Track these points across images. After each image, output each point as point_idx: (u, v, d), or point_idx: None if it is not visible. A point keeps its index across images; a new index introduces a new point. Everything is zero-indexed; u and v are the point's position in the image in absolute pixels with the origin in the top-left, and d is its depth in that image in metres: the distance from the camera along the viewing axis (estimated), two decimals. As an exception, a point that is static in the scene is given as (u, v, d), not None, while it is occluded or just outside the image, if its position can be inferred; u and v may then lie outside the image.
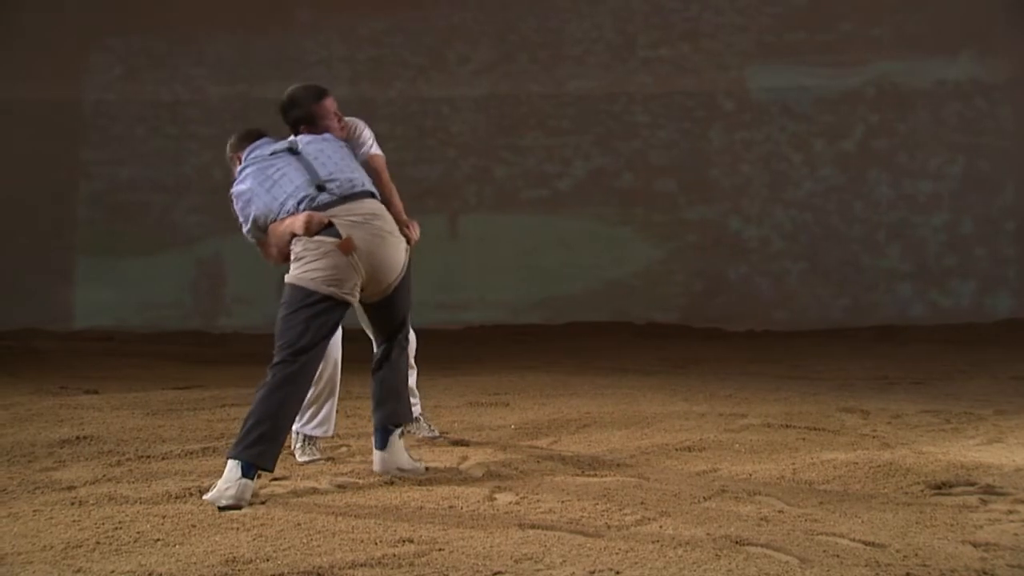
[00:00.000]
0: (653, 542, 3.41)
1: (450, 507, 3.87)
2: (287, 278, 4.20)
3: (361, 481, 4.28)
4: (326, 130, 4.49)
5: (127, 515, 3.73)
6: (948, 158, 11.08)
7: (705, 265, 11.15)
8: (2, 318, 10.68)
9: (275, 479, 4.30)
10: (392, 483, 4.25)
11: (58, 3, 11.28)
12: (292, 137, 4.44)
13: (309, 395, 4.56)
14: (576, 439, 5.18)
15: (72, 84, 11.36)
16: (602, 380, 7.29)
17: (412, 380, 5.01)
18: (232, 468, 3.89)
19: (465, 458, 4.73)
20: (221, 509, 3.79)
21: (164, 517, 3.71)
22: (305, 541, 3.44)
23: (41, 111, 11.26)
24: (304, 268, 4.14)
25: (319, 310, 4.12)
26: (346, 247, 4.09)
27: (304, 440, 4.71)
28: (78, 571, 3.16)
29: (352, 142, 4.56)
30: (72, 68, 11.35)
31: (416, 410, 5.06)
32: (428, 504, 3.90)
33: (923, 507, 3.86)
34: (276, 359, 4.11)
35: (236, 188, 4.40)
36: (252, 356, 8.97)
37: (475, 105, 11.28)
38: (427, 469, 4.43)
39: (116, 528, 3.58)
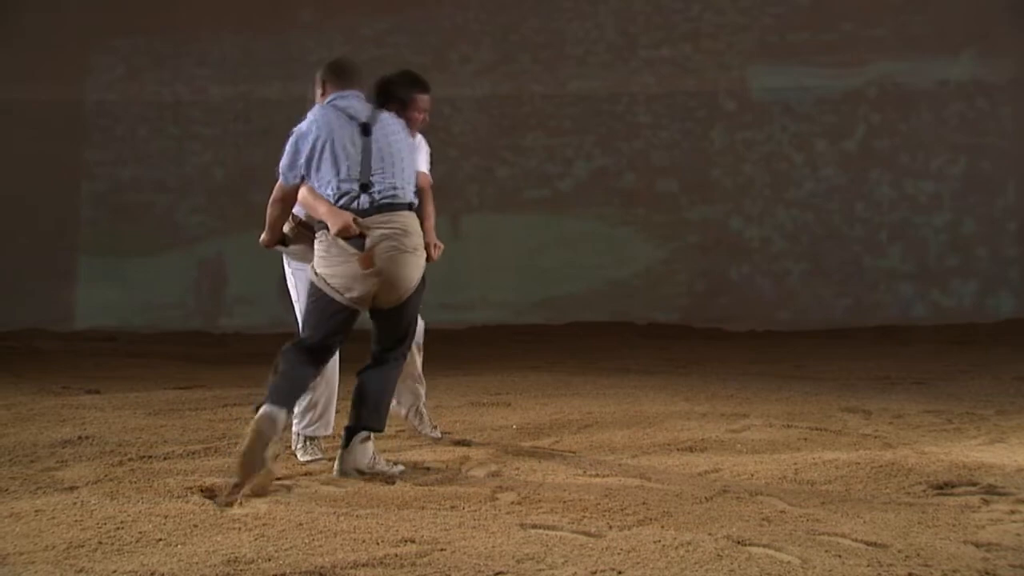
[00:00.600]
0: (655, 542, 3.41)
1: (452, 507, 3.87)
2: (310, 271, 4.36)
3: (363, 481, 4.28)
4: (407, 121, 4.56)
5: (129, 515, 3.74)
6: (950, 158, 11.07)
7: (707, 265, 11.15)
8: (4, 318, 10.68)
9: (277, 479, 4.29)
10: (394, 483, 4.25)
11: (60, 3, 11.29)
12: (376, 110, 4.43)
13: (308, 396, 4.57)
14: (578, 439, 5.18)
15: (74, 84, 11.36)
16: (604, 380, 7.29)
17: (417, 364, 5.02)
18: None
19: (467, 458, 4.73)
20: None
21: (166, 517, 3.71)
22: (307, 541, 3.44)
23: (43, 111, 11.26)
24: (325, 269, 4.26)
25: (333, 311, 4.28)
26: (365, 263, 4.18)
27: (305, 440, 4.71)
28: (80, 571, 3.16)
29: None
30: (74, 68, 11.35)
31: (421, 398, 5.11)
32: (430, 504, 3.90)
33: (925, 507, 3.85)
34: (294, 340, 4.39)
35: (301, 126, 4.43)
36: (254, 356, 8.96)
37: (477, 105, 11.28)
38: (402, 472, 4.40)
39: (118, 528, 3.58)
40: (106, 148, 11.37)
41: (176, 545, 3.42)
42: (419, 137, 4.85)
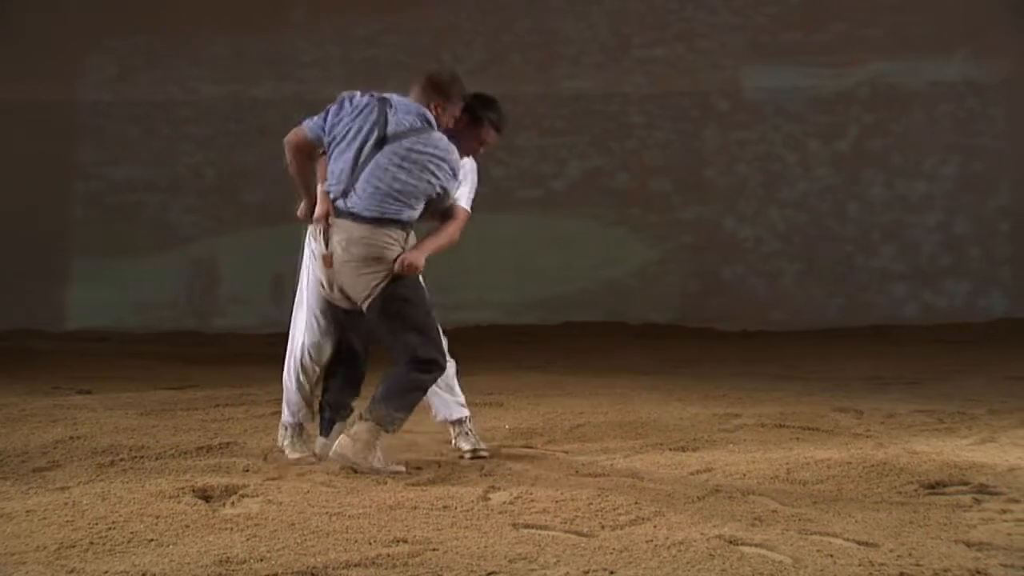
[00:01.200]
0: (647, 542, 3.41)
1: (444, 507, 3.87)
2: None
3: (355, 481, 4.28)
4: (462, 142, 4.53)
5: (121, 515, 3.73)
6: (942, 159, 11.10)
7: (700, 265, 11.15)
8: (-4, 318, 10.67)
9: (269, 479, 4.29)
10: (386, 483, 4.25)
11: (53, 4, 11.26)
12: (412, 120, 4.42)
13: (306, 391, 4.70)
14: (570, 439, 5.18)
15: (67, 84, 11.33)
16: (597, 380, 7.29)
17: (451, 371, 4.80)
18: None
19: (460, 458, 4.73)
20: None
21: (158, 517, 3.71)
22: (299, 541, 3.44)
23: (36, 111, 11.23)
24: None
25: (323, 304, 4.60)
26: (325, 262, 4.44)
27: (293, 432, 4.68)
28: (71, 571, 3.16)
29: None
30: (67, 68, 11.33)
31: (463, 411, 4.82)
32: (422, 504, 3.90)
33: (917, 507, 3.86)
34: None
35: (355, 100, 4.50)
36: (246, 356, 8.95)
37: (470, 105, 11.25)
38: (396, 471, 4.41)
39: (110, 528, 3.57)
40: (99, 148, 11.34)
41: (168, 545, 3.41)
42: (470, 165, 4.70)
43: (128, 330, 10.70)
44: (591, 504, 3.88)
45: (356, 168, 4.38)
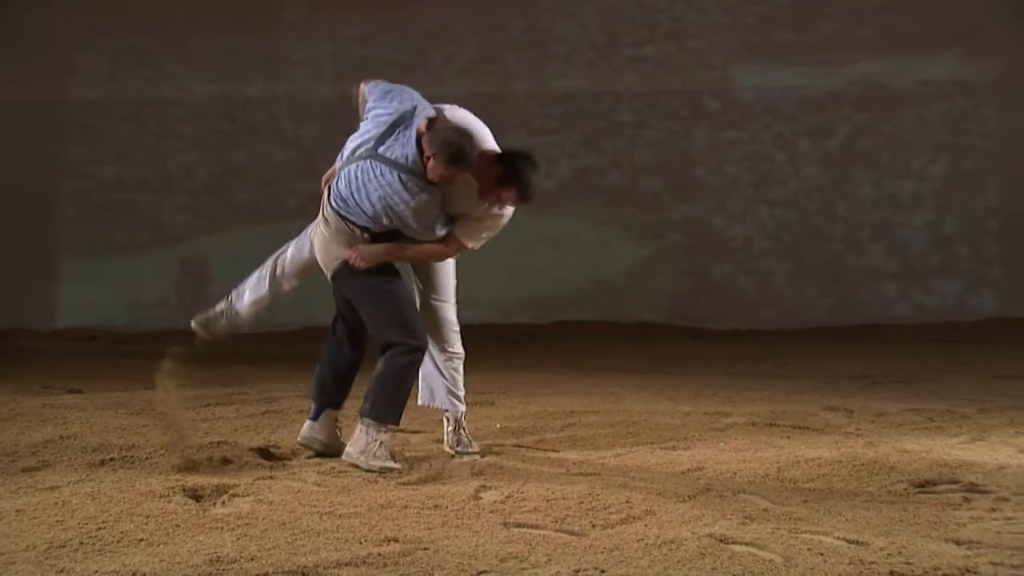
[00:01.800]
0: (638, 541, 3.42)
1: (435, 506, 3.87)
2: None
3: (346, 481, 4.28)
4: (482, 190, 4.46)
5: (111, 515, 3.72)
6: (932, 158, 11.11)
7: (691, 264, 11.16)
8: (-15, 317, 10.63)
9: (259, 478, 4.29)
10: (377, 482, 4.25)
11: (44, 3, 11.21)
12: (399, 154, 4.42)
13: None
14: (561, 438, 5.18)
15: (57, 83, 11.29)
16: (588, 379, 7.30)
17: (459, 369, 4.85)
18: None
19: (451, 457, 4.73)
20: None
21: (148, 517, 3.70)
22: (290, 540, 3.43)
23: (26, 110, 11.18)
24: None
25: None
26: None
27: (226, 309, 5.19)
28: (61, 571, 3.15)
29: (476, 212, 4.54)
30: (57, 67, 11.28)
31: (459, 407, 4.84)
32: (413, 503, 3.90)
33: (907, 505, 3.88)
34: None
35: (395, 105, 4.60)
36: (236, 355, 8.93)
37: (461, 104, 11.22)
38: (384, 469, 4.43)
39: (99, 528, 3.57)
40: (89, 147, 11.30)
41: (158, 545, 3.41)
42: (503, 215, 4.61)
43: (118, 329, 10.67)
44: (582, 503, 3.88)
45: (346, 160, 4.55)
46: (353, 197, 4.46)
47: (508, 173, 4.40)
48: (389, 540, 3.43)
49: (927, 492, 4.08)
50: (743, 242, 11.16)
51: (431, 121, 4.48)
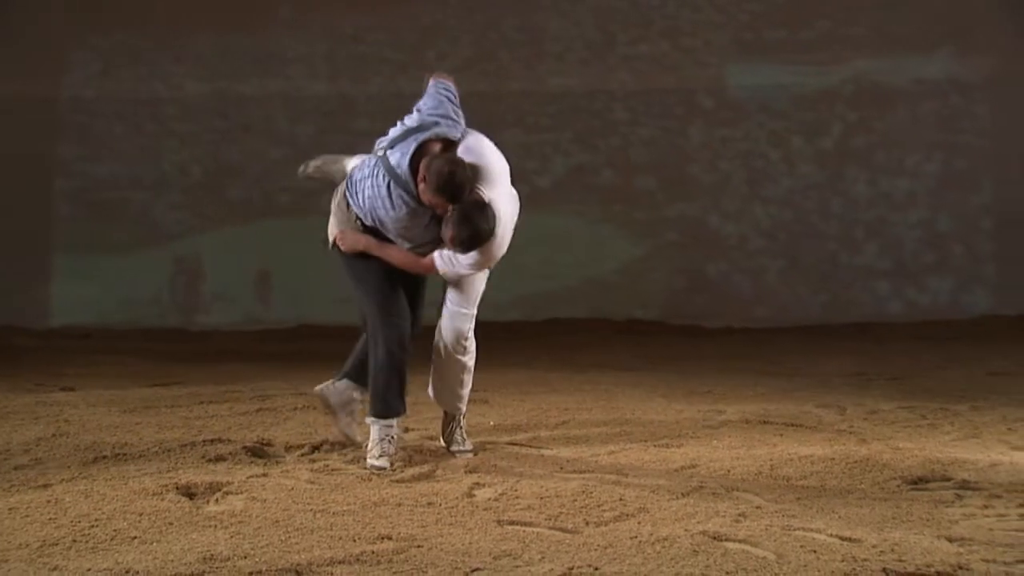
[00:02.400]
0: (631, 538, 3.42)
1: (429, 504, 3.87)
2: None
3: (340, 478, 4.28)
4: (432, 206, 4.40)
5: (103, 513, 3.72)
6: (925, 156, 11.13)
7: (684, 262, 11.17)
8: (-22, 315, 10.61)
9: (253, 476, 4.29)
10: (370, 479, 4.25)
11: (37, 1, 11.19)
12: (396, 161, 4.41)
13: None
14: (555, 436, 5.19)
15: (50, 81, 11.27)
16: (581, 377, 7.30)
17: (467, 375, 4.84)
18: None
19: (444, 455, 4.73)
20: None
21: (141, 514, 3.70)
22: (283, 538, 3.43)
23: (19, 108, 11.16)
24: None
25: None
26: None
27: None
28: (54, 569, 3.15)
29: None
30: (50, 65, 11.27)
31: (459, 407, 4.83)
32: (407, 501, 3.91)
33: (899, 502, 3.88)
34: None
35: (423, 117, 4.53)
36: (231, 353, 8.93)
37: (455, 102, 11.24)
38: (373, 466, 4.45)
39: (92, 526, 3.56)
40: (82, 145, 11.28)
41: (151, 543, 3.40)
42: (489, 253, 4.52)
43: (112, 327, 10.65)
44: (575, 500, 3.89)
45: (374, 150, 4.57)
46: (356, 186, 4.51)
47: (454, 216, 4.29)
48: (383, 538, 3.43)
49: (920, 489, 4.09)
50: (737, 240, 11.17)
51: (447, 145, 4.41)
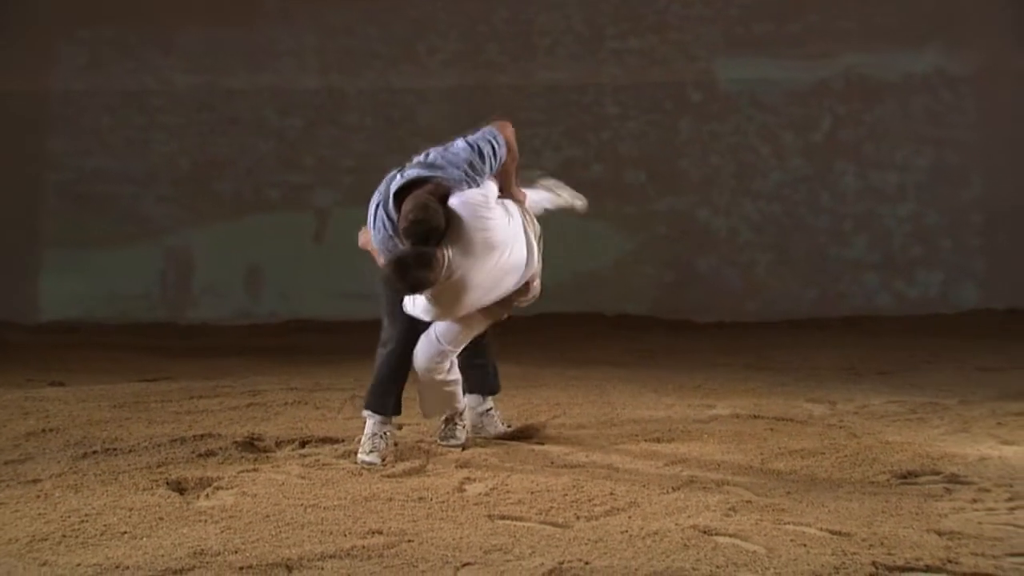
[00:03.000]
0: (622, 532, 3.42)
1: (420, 498, 3.87)
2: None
3: (330, 473, 4.28)
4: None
5: (93, 508, 3.71)
6: (915, 150, 11.15)
7: (674, 256, 11.18)
8: (-33, 310, 10.58)
9: (244, 471, 4.28)
10: (361, 474, 4.25)
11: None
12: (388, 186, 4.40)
13: None
14: (546, 430, 5.18)
15: (38, 74, 11.23)
16: (572, 371, 7.31)
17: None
18: None
19: (435, 450, 4.73)
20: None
21: (131, 510, 3.69)
22: (274, 533, 3.43)
23: (7, 101, 11.13)
24: None
25: None
26: None
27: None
28: (44, 564, 3.14)
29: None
30: (38, 58, 11.22)
31: (458, 408, 4.91)
32: (398, 496, 3.90)
33: (889, 496, 3.89)
34: None
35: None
36: (221, 348, 8.92)
37: (444, 96, 11.24)
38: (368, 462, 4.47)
39: (82, 521, 3.55)
40: (71, 138, 11.24)
41: (141, 538, 3.40)
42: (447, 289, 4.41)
43: (101, 322, 10.63)
44: (566, 495, 3.89)
45: None
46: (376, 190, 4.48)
47: (394, 252, 4.26)
48: (373, 532, 3.43)
49: (909, 483, 4.10)
50: (727, 234, 11.19)
51: (438, 187, 4.29)
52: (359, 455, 4.48)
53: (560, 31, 11.31)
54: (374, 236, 4.42)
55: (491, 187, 4.48)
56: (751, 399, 6.04)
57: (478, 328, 4.67)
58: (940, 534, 3.39)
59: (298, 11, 11.31)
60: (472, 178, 4.39)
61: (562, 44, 11.32)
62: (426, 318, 4.43)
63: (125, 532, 3.45)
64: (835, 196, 11.16)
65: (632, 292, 11.07)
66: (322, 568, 3.09)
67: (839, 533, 3.41)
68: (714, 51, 11.23)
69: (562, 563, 3.11)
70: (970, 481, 4.08)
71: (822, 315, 10.71)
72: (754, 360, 7.97)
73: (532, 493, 3.92)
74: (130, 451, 4.65)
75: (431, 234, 4.15)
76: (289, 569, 3.09)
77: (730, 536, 3.39)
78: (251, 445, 4.77)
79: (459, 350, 4.68)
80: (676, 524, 3.50)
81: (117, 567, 3.10)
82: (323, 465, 4.41)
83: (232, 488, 4.03)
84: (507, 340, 9.42)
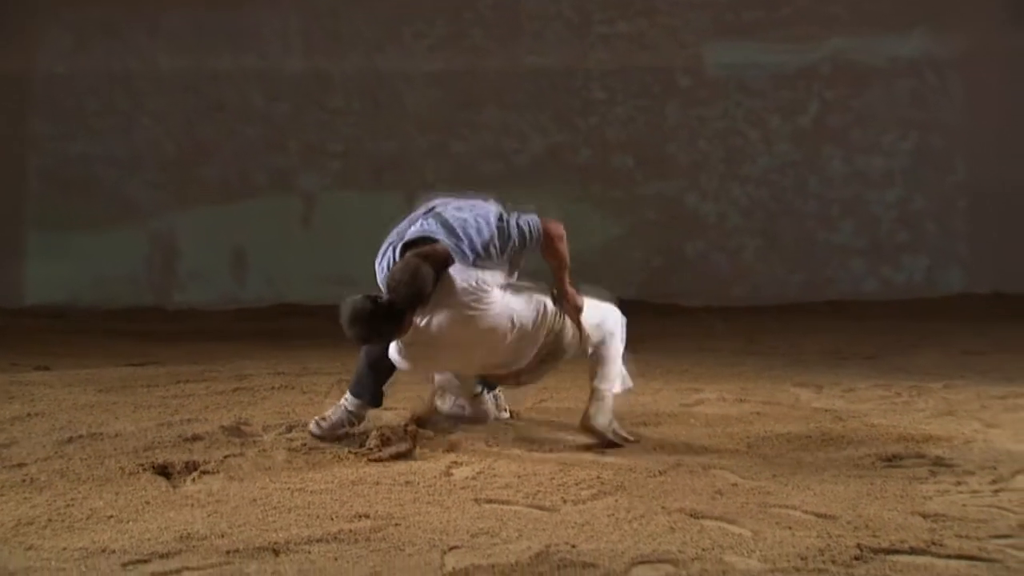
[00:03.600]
0: (609, 516, 3.43)
1: (407, 482, 3.87)
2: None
3: (317, 457, 4.27)
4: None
5: (79, 492, 3.70)
6: (901, 134, 11.17)
7: (663, 241, 11.18)
8: (-49, 294, 10.52)
9: (230, 455, 4.27)
10: (348, 459, 4.24)
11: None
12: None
13: None
14: (533, 414, 5.19)
15: (22, 57, 11.15)
16: (559, 355, 7.29)
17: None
18: None
19: (422, 434, 4.73)
20: None
21: (117, 494, 3.69)
22: (261, 517, 3.43)
23: (-10, 84, 11.06)
24: None
25: None
26: None
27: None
28: (29, 548, 3.13)
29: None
30: (22, 41, 11.14)
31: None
32: (385, 480, 3.90)
33: (874, 479, 3.91)
34: None
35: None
36: (207, 332, 8.89)
37: (432, 80, 11.21)
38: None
39: (68, 505, 3.55)
40: (55, 121, 11.17)
41: (128, 522, 3.39)
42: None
43: (86, 306, 10.59)
44: (553, 479, 3.89)
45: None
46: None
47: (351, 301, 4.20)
48: (360, 516, 3.43)
49: (894, 466, 4.12)
50: (715, 218, 11.20)
51: (443, 252, 4.20)
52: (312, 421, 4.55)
53: (548, 15, 11.28)
54: (377, 270, 4.33)
55: (499, 276, 4.39)
56: (738, 383, 6.06)
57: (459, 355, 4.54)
58: (925, 516, 3.41)
59: (285, -7, 11.24)
60: (482, 261, 4.29)
61: (550, 28, 11.29)
62: (396, 363, 4.40)
63: (111, 516, 3.44)
64: (823, 181, 11.18)
65: (620, 277, 11.06)
66: (309, 552, 3.09)
67: (824, 516, 3.42)
68: (703, 36, 11.21)
69: (549, 546, 3.11)
70: (954, 464, 4.10)
71: (809, 300, 10.73)
72: (741, 344, 7.99)
73: (519, 477, 3.92)
74: (116, 436, 4.63)
75: (412, 300, 4.08)
76: (276, 553, 3.08)
77: (716, 519, 3.40)
78: (238, 430, 4.76)
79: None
80: (663, 507, 3.51)
81: (103, 551, 3.09)
82: (310, 449, 4.41)
83: (219, 472, 4.02)
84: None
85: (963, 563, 2.98)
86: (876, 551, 3.06)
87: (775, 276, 11.10)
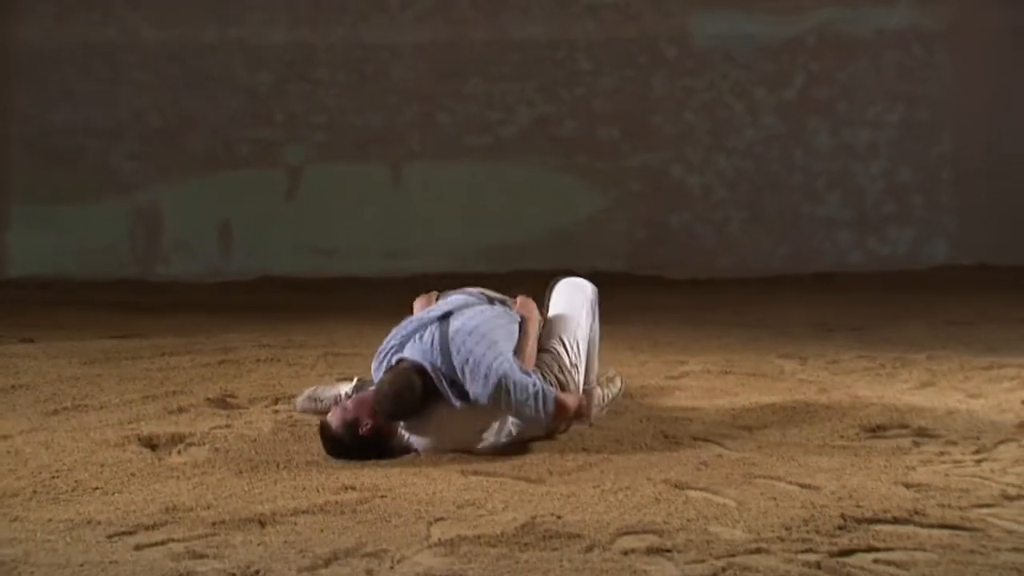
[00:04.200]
0: (594, 487, 3.45)
1: (392, 454, 3.88)
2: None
3: (303, 429, 4.27)
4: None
5: (64, 464, 3.70)
6: (887, 107, 11.17)
7: (648, 213, 11.17)
8: (-66, 267, 10.46)
9: (216, 427, 4.27)
10: (334, 430, 4.24)
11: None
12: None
13: None
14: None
15: (3, 27, 11.03)
16: (545, 327, 7.29)
17: None
18: None
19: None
20: None
21: (103, 465, 3.68)
22: (246, 489, 3.43)
23: (-30, 54, 10.95)
24: None
25: None
26: None
27: None
28: (15, 520, 3.13)
29: None
30: (2, 11, 11.02)
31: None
32: (370, 451, 3.90)
33: (858, 450, 3.94)
34: None
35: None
36: (192, 305, 8.86)
37: (417, 51, 11.13)
38: None
39: (53, 477, 3.54)
40: (36, 92, 11.06)
41: (113, 493, 3.39)
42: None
43: (70, 277, 10.52)
44: (539, 450, 3.91)
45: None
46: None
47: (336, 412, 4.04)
48: (346, 488, 3.44)
49: (878, 437, 4.15)
50: (701, 190, 11.19)
51: (435, 370, 3.93)
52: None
53: (534, -14, 11.21)
54: (375, 360, 4.19)
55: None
56: (723, 355, 6.08)
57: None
58: (908, 486, 3.43)
59: (268, -37, 11.14)
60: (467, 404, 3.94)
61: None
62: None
63: (97, 488, 3.44)
64: (808, 153, 11.17)
65: (606, 248, 11.07)
66: (295, 523, 3.09)
67: (809, 486, 3.44)
68: (688, 6, 11.16)
69: (535, 517, 3.12)
70: (937, 434, 4.12)
71: (795, 272, 10.75)
72: (727, 316, 8.00)
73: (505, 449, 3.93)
74: (101, 407, 4.63)
75: (399, 414, 3.90)
76: (262, 524, 3.08)
77: (701, 490, 3.42)
78: (223, 402, 4.76)
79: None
80: (648, 479, 3.53)
81: (89, 522, 3.09)
82: (296, 422, 4.41)
83: (204, 444, 4.02)
84: (480, 297, 9.45)
85: (945, 532, 3.00)
86: (860, 521, 3.07)
87: (761, 248, 11.11)
